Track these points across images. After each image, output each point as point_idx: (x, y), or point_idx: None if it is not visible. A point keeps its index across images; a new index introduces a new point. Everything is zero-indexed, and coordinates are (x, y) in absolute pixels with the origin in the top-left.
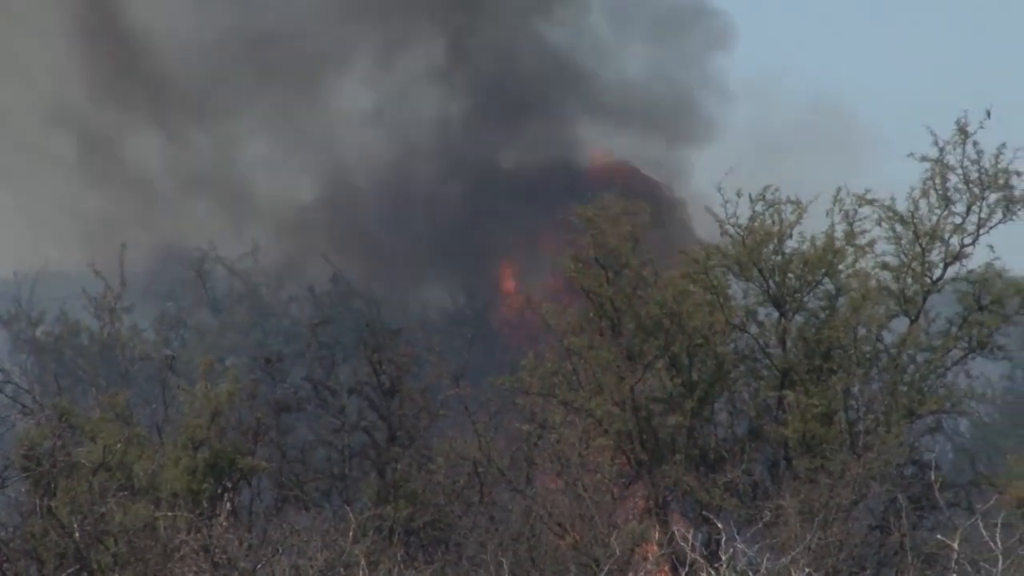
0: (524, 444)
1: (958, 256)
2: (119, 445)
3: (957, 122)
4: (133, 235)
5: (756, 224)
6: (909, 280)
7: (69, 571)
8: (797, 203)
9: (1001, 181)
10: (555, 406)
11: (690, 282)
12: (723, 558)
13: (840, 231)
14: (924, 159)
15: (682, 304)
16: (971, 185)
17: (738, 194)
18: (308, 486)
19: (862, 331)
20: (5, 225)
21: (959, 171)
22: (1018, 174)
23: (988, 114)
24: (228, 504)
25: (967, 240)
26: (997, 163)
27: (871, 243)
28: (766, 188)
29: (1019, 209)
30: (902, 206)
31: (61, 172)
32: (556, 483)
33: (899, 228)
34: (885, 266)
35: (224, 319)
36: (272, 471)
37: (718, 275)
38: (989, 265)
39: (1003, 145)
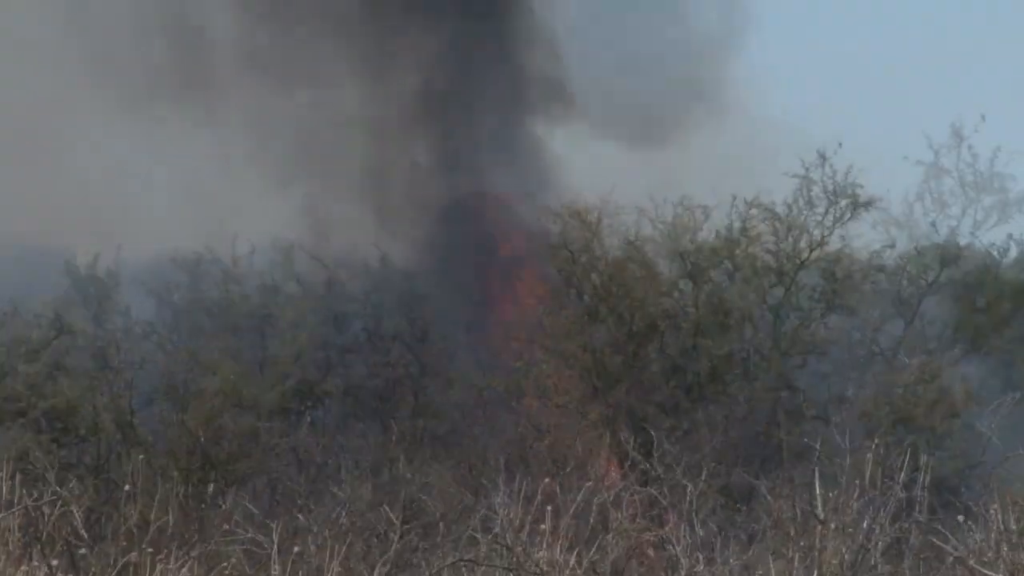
0: (515, 375)
1: (820, 243)
2: (231, 376)
3: (817, 151)
4: (240, 223)
5: (675, 220)
6: (784, 261)
7: (196, 463)
8: (706, 207)
9: (850, 191)
10: (537, 349)
11: (630, 261)
12: (654, 455)
13: (736, 227)
14: (795, 176)
15: (624, 276)
16: (827, 194)
17: (664, 200)
18: (364, 405)
19: (751, 297)
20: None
21: (820, 183)
22: (861, 186)
23: (839, 144)
24: (308, 418)
25: (826, 232)
26: (847, 178)
27: (758, 235)
28: (683, 196)
29: (863, 211)
30: (781, 209)
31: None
32: (537, 404)
33: (777, 224)
34: (767, 251)
35: (306, 289)
36: (338, 394)
37: (650, 257)
38: (841, 250)
39: (851, 165)
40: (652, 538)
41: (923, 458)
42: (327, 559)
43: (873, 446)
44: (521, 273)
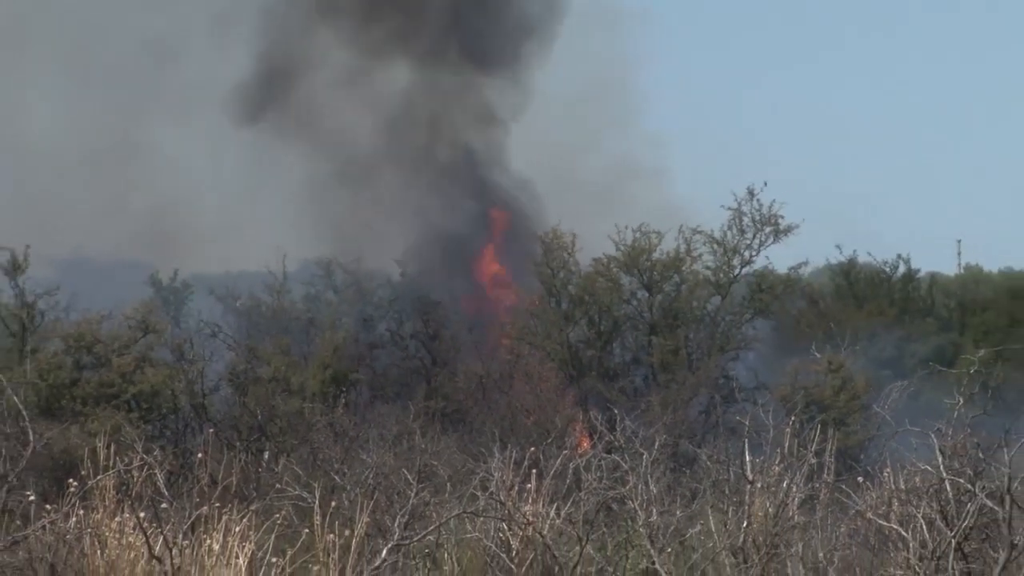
0: (507, 366)
1: (748, 262)
2: (282, 367)
3: (748, 188)
4: (292, 242)
5: (635, 243)
6: (720, 276)
7: (254, 436)
8: (659, 233)
9: (772, 222)
10: (525, 345)
11: (598, 275)
12: (617, 429)
13: (682, 249)
14: (729, 208)
15: (594, 287)
16: (755, 223)
17: (626, 227)
18: (387, 390)
19: (695, 304)
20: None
21: (748, 215)
22: (782, 217)
23: (765, 183)
24: (342, 400)
25: (753, 254)
26: (770, 210)
27: (700, 255)
28: (642, 224)
29: (781, 237)
30: (718, 234)
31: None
32: (524, 388)
33: (715, 246)
34: (707, 268)
35: (341, 296)
36: (367, 381)
37: (614, 272)
38: (764, 267)
39: (773, 201)
40: (615, 495)
41: (830, 432)
42: (357, 511)
43: (791, 422)
44: (511, 283)
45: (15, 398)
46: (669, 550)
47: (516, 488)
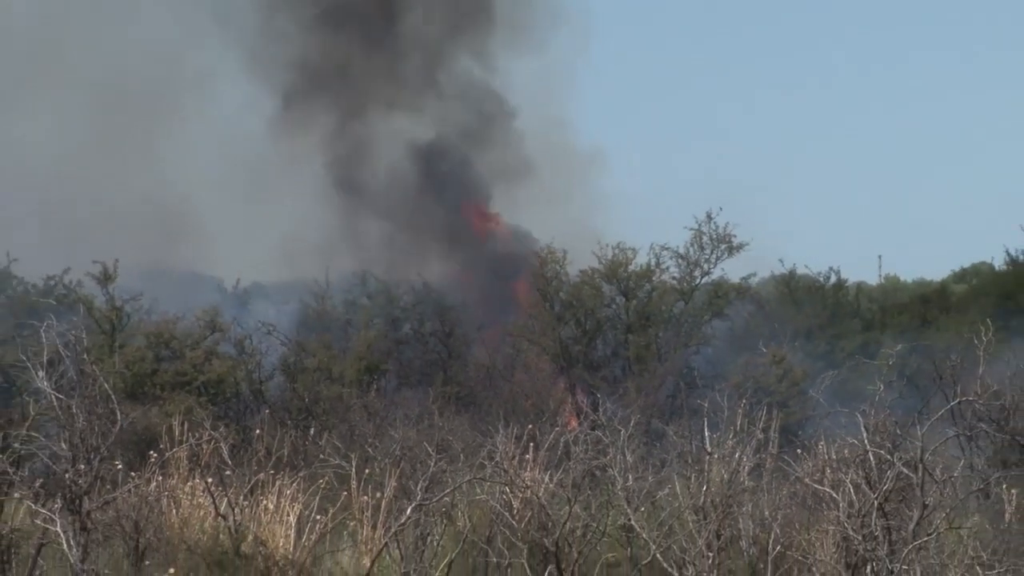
0: (510, 359)
1: (706, 273)
2: (325, 359)
3: (708, 213)
4: (334, 255)
5: (614, 258)
6: (684, 284)
7: (302, 415)
8: (633, 249)
9: (726, 240)
10: (524, 341)
11: (584, 284)
12: (600, 410)
13: (652, 262)
14: (691, 228)
15: (580, 293)
16: (713, 240)
17: (604, 244)
18: (410, 378)
19: (663, 308)
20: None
21: (707, 234)
22: (734, 236)
23: (722, 207)
24: (374, 386)
25: (711, 266)
26: (725, 230)
27: (667, 268)
28: (619, 242)
29: (735, 253)
30: (682, 250)
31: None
32: (524, 377)
33: (680, 260)
34: (673, 278)
35: (373, 301)
36: (394, 371)
37: (597, 281)
38: (720, 278)
39: (728, 223)
40: (598, 464)
41: (774, 413)
42: (387, 477)
43: (742, 405)
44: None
45: (106, 385)
46: (642, 509)
47: (517, 458)
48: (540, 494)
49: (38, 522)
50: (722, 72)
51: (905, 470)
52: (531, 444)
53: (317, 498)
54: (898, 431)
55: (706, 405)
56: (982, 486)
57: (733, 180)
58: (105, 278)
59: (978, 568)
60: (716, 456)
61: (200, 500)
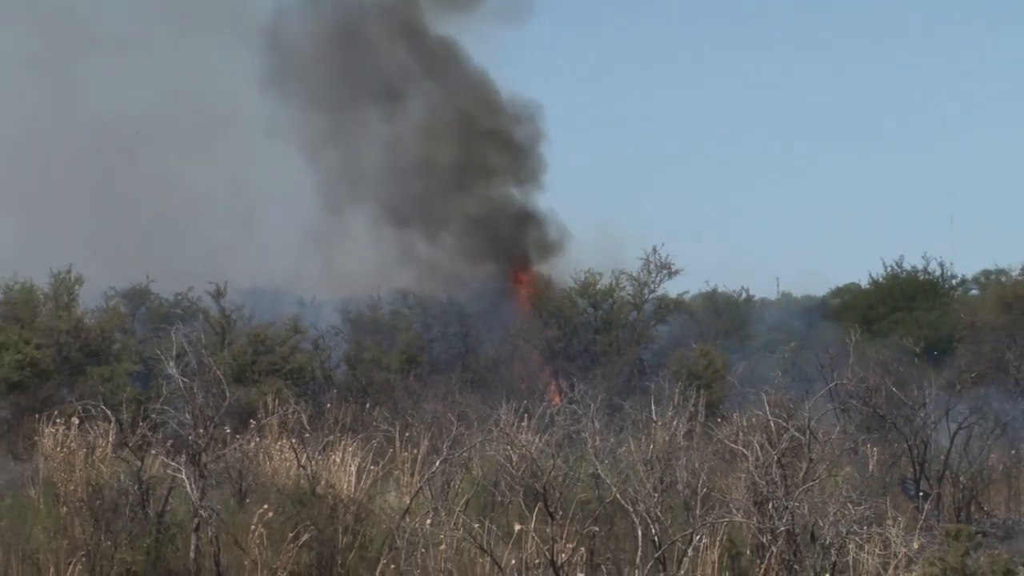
0: (510, 352)
1: (653, 291)
2: (377, 353)
3: (654, 248)
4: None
5: (586, 279)
6: (637, 299)
7: (360, 394)
8: (600, 273)
9: (667, 267)
10: (521, 338)
11: (564, 299)
12: (576, 391)
13: (614, 283)
14: (641, 258)
15: (562, 305)
16: (657, 267)
17: (579, 269)
18: (438, 367)
19: (621, 316)
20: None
21: (655, 261)
22: (673, 262)
23: (664, 243)
24: (412, 373)
25: (656, 285)
26: (666, 260)
27: (624, 286)
28: (589, 268)
29: (673, 276)
30: (635, 274)
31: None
32: (520, 366)
33: (634, 281)
34: (629, 294)
35: (411, 310)
36: (427, 362)
37: (573, 296)
38: (663, 294)
39: (668, 255)
40: (574, 430)
41: (701, 392)
42: (421, 439)
43: (679, 386)
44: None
45: (218, 372)
46: (606, 462)
47: (515, 425)
48: (532, 451)
49: (168, 471)
50: (653, 141)
51: (796, 434)
52: (526, 415)
53: (371, 454)
54: (791, 405)
55: (652, 387)
56: (852, 445)
57: (669, 219)
58: (218, 294)
59: (849, 505)
60: (660, 423)
61: (287, 455)
